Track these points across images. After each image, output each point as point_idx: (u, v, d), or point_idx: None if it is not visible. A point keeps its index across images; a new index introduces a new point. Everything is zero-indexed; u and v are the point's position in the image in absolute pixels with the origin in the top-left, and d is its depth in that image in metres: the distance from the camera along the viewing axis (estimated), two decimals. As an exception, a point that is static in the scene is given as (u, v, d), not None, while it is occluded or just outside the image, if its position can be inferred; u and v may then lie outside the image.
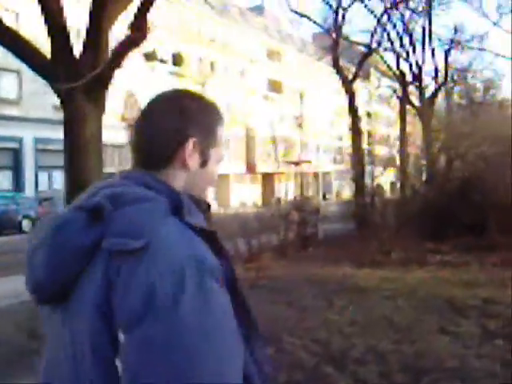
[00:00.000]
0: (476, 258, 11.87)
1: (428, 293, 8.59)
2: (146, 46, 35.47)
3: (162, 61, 37.50)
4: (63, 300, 1.16)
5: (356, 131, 19.53)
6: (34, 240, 1.20)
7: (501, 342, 6.34)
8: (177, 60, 39.48)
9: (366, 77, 41.85)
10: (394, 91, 29.62)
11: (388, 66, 27.69)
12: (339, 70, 20.35)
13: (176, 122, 1.27)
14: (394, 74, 27.12)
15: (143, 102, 1.40)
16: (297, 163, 44.71)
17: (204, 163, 1.31)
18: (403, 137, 24.22)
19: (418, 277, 9.83)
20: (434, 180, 15.56)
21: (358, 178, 18.23)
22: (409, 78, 27.60)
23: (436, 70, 29.98)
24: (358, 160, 18.62)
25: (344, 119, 36.82)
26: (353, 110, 20.03)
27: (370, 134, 56.42)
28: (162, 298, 1.02)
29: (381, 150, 28.72)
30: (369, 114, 59.86)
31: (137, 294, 1.03)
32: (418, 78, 27.92)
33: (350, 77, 21.27)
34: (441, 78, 30.27)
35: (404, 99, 25.86)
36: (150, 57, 35.86)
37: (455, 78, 34.88)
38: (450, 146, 16.01)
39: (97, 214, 1.12)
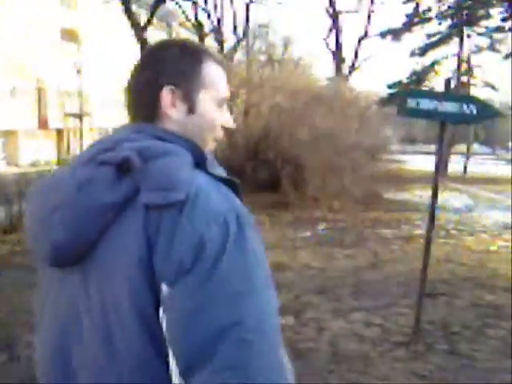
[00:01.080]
0: (269, 217, 11.25)
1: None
2: None
3: None
4: (82, 260, 1.11)
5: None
6: (46, 200, 1.13)
7: (291, 321, 5.52)
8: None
9: (168, 28, 40.03)
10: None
11: (186, 16, 26.41)
12: (130, 16, 18.57)
13: (148, 74, 1.23)
14: (193, 24, 25.96)
15: None
16: (79, 116, 41.27)
17: (191, 109, 1.25)
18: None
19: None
20: (227, 134, 14.66)
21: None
22: (209, 30, 26.71)
23: (235, 24, 29.42)
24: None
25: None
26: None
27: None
28: (211, 247, 1.02)
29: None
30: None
31: (185, 244, 1.03)
32: (217, 31, 27.14)
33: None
34: (241, 33, 29.78)
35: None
36: None
37: (256, 33, 34.76)
38: (245, 101, 15.21)
39: (124, 168, 1.08)
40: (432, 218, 5.11)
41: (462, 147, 39.48)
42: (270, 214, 11.43)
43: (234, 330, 0.99)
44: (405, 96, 4.66)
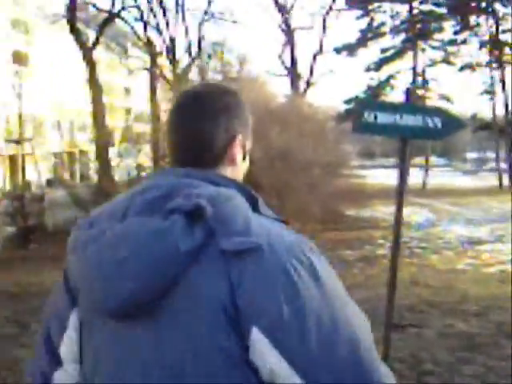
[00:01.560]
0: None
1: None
2: None
3: None
4: (149, 311, 1.09)
5: (97, 105, 17.25)
6: (107, 252, 1.11)
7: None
8: None
9: (120, 49, 39.21)
10: (145, 63, 27.89)
11: (137, 35, 25.81)
12: (77, 36, 17.90)
13: (225, 121, 1.28)
14: (145, 44, 25.40)
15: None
16: (17, 141, 39.34)
17: (244, 156, 1.35)
18: (154, 111, 22.49)
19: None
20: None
21: (102, 157, 16.06)
22: (162, 50, 26.19)
23: (189, 43, 28.95)
24: (100, 137, 16.42)
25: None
26: (92, 80, 17.74)
27: (128, 111, 54.33)
28: (303, 281, 1.06)
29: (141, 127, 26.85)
30: (127, 90, 57.64)
31: (276, 284, 1.05)
32: (171, 50, 26.66)
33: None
34: (194, 52, 29.38)
35: (153, 71, 24.19)
36: None
37: (210, 52, 34.40)
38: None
39: (196, 215, 1.09)
40: (397, 243, 4.60)
41: (419, 159, 39.59)
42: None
43: (360, 348, 1.05)
44: (361, 109, 4.10)
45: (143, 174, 16.17)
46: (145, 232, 1.09)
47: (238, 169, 1.32)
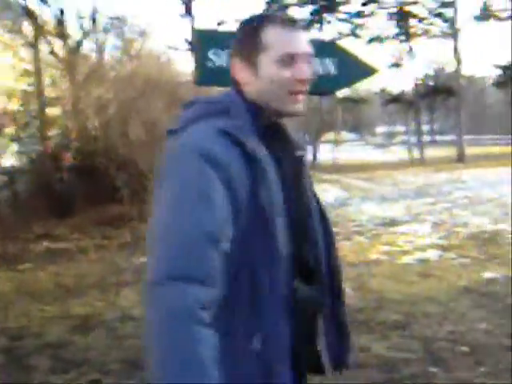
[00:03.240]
0: (100, 239, 8.86)
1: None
2: None
3: None
4: None
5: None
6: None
7: None
8: None
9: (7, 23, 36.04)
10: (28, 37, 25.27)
11: (19, 4, 23.19)
12: None
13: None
14: (27, 15, 22.83)
15: None
16: None
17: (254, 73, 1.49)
18: (39, 92, 20.09)
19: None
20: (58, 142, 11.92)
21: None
22: (49, 22, 23.69)
23: (80, 16, 26.51)
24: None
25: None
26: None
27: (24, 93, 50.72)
28: (163, 170, 1.35)
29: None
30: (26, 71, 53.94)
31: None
32: (60, 23, 24.22)
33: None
34: (88, 26, 27.00)
35: (37, 46, 21.74)
36: None
37: (108, 27, 31.97)
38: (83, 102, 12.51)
39: None
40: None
41: (331, 135, 38.93)
42: (103, 235, 9.03)
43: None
44: (204, 47, 2.45)
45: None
46: None
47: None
